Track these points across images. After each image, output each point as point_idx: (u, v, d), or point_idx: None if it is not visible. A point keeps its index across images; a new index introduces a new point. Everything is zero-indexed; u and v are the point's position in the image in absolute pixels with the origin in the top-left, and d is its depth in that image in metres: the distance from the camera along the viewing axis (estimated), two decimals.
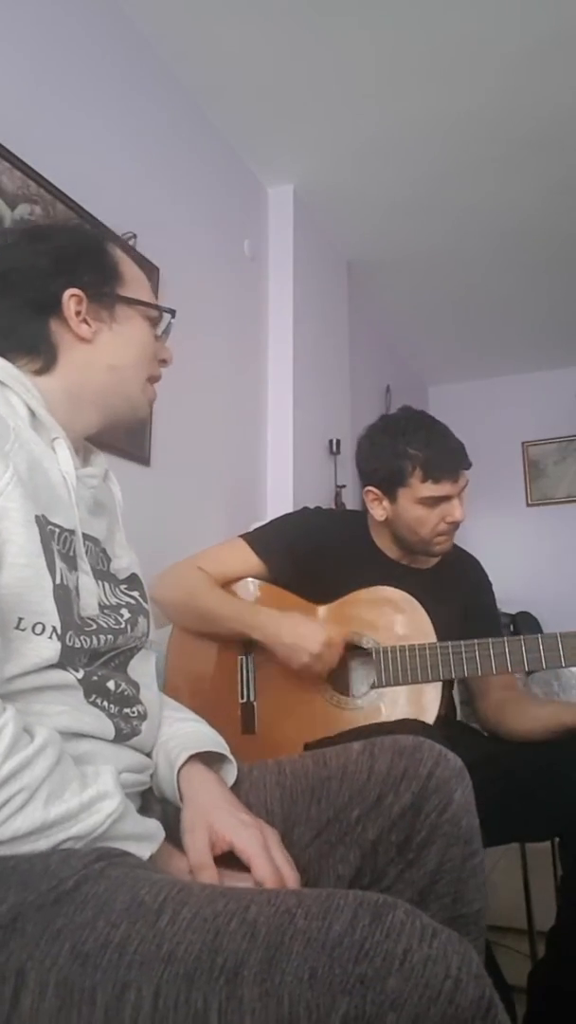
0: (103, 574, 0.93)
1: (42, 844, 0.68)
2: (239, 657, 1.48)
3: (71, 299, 0.90)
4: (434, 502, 1.45)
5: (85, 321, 0.91)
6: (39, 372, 0.90)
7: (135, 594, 0.98)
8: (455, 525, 1.48)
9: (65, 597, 0.79)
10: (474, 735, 1.55)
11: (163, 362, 1.01)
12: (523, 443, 4.99)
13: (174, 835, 0.85)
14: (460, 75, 2.53)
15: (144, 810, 0.90)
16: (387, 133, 2.82)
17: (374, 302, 4.05)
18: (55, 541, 0.81)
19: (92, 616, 0.84)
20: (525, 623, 4.34)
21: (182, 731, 0.96)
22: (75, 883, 0.63)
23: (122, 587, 0.97)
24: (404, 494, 1.47)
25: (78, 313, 0.91)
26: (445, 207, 3.27)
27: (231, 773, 0.95)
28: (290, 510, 1.72)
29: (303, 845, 0.90)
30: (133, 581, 1.00)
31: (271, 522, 1.64)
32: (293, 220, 3.15)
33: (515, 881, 1.78)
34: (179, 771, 0.89)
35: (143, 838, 0.76)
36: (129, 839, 0.74)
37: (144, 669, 0.96)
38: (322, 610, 1.48)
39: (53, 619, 0.77)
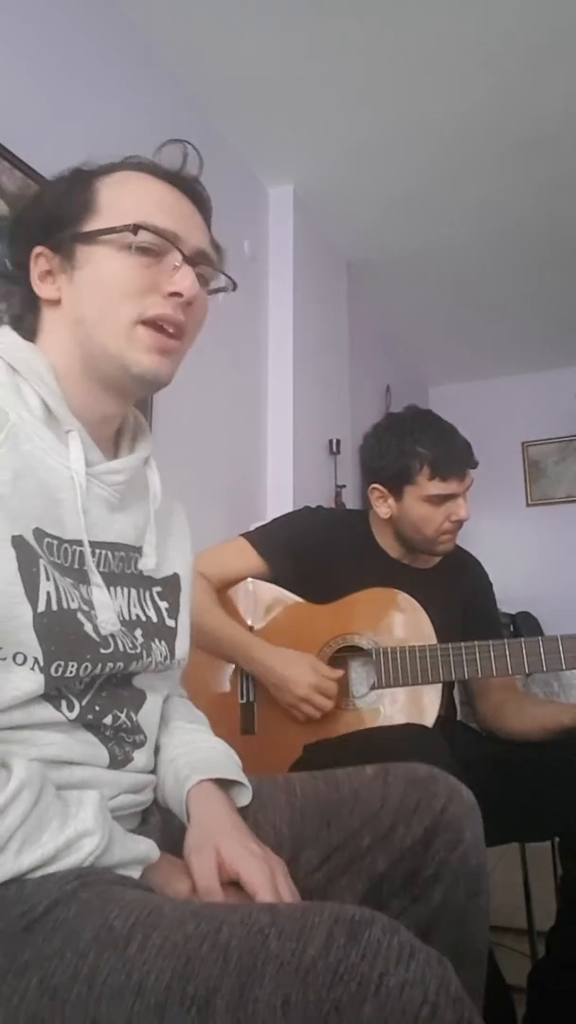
0: (132, 579, 0.83)
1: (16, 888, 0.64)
2: None
3: (38, 259, 0.79)
4: (440, 500, 1.46)
5: (50, 275, 0.79)
6: (48, 355, 0.79)
7: (164, 605, 0.87)
8: (460, 524, 1.49)
9: (57, 623, 0.71)
10: (474, 735, 1.54)
11: (174, 295, 0.77)
12: (523, 443, 4.98)
13: (177, 847, 0.83)
14: (459, 75, 2.53)
15: (142, 825, 0.86)
16: (387, 133, 2.82)
17: (374, 302, 4.05)
18: (54, 555, 0.73)
19: (113, 633, 0.76)
20: (525, 623, 4.34)
21: (195, 747, 0.91)
22: (45, 908, 0.60)
23: (155, 590, 0.87)
24: (410, 492, 1.47)
25: (47, 273, 0.79)
26: (445, 207, 3.27)
27: (244, 795, 0.90)
28: (290, 510, 1.72)
29: (310, 870, 0.87)
30: (169, 586, 0.89)
31: (272, 521, 1.64)
32: (293, 220, 3.15)
33: (515, 881, 1.78)
34: (188, 792, 0.85)
35: (131, 864, 0.72)
36: (115, 868, 0.70)
37: (154, 683, 0.87)
38: (323, 610, 1.48)
39: (34, 650, 0.69)
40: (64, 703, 0.74)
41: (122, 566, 0.82)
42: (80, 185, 0.80)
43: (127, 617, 0.82)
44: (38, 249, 0.79)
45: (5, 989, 0.56)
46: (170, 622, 0.88)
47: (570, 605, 4.27)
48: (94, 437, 0.81)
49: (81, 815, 0.69)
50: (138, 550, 0.85)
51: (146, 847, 0.75)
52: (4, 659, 0.69)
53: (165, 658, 0.85)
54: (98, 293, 0.77)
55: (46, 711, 0.72)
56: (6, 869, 0.63)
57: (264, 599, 1.52)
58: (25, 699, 0.70)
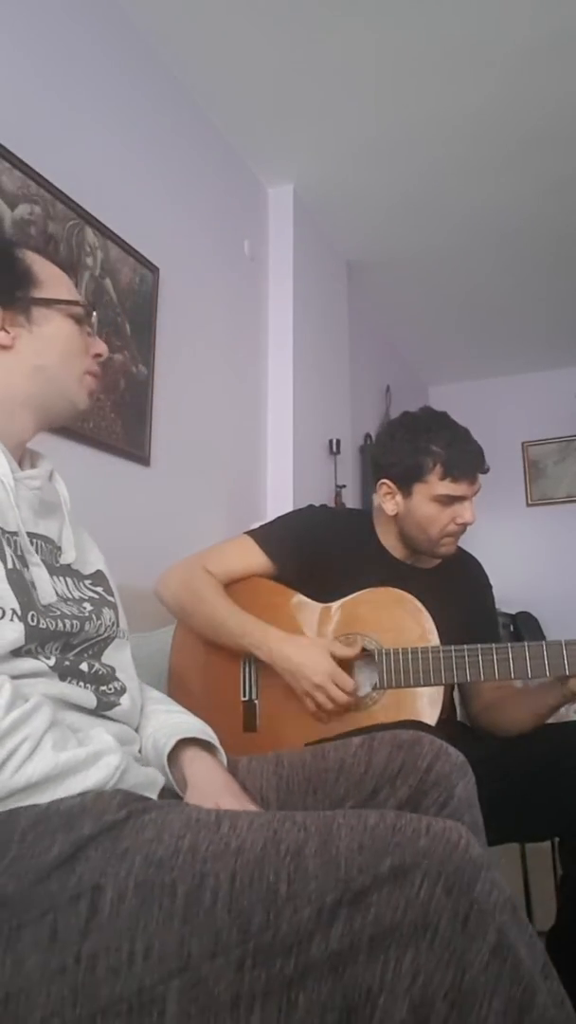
0: (63, 570, 0.96)
1: (61, 794, 0.72)
2: (241, 655, 1.49)
3: None
4: (448, 501, 1.46)
5: (3, 328, 0.95)
6: None
7: (99, 589, 1.01)
8: (463, 528, 1.49)
9: (20, 582, 0.83)
10: (474, 736, 1.55)
11: (97, 356, 1.04)
12: (523, 443, 4.99)
13: None
14: (460, 75, 2.53)
15: None
16: (387, 133, 2.82)
17: (374, 302, 4.05)
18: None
19: (51, 603, 0.88)
20: (525, 623, 4.34)
21: (170, 721, 0.99)
22: (126, 814, 0.69)
23: (86, 582, 1.00)
24: (420, 490, 1.48)
25: None
26: (445, 207, 3.28)
27: (221, 761, 0.97)
28: (290, 510, 1.71)
29: None
30: (98, 577, 1.03)
31: (277, 519, 1.64)
32: (293, 220, 3.15)
33: (515, 881, 1.78)
34: (172, 755, 0.92)
35: (148, 787, 0.82)
36: (139, 788, 0.79)
37: (120, 658, 0.98)
38: (325, 609, 1.48)
39: (11, 602, 0.80)
40: (42, 656, 0.85)
41: (52, 559, 0.96)
42: (9, 256, 0.98)
43: (72, 596, 0.94)
44: None
45: (110, 869, 0.66)
46: (110, 598, 1.02)
47: (570, 605, 4.27)
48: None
49: (100, 738, 0.80)
50: (61, 548, 0.99)
51: (153, 772, 0.86)
52: None
53: (114, 624, 0.98)
54: (57, 348, 0.98)
55: (27, 663, 0.82)
56: (47, 761, 0.72)
57: (267, 597, 1.52)
58: (10, 649, 0.80)
